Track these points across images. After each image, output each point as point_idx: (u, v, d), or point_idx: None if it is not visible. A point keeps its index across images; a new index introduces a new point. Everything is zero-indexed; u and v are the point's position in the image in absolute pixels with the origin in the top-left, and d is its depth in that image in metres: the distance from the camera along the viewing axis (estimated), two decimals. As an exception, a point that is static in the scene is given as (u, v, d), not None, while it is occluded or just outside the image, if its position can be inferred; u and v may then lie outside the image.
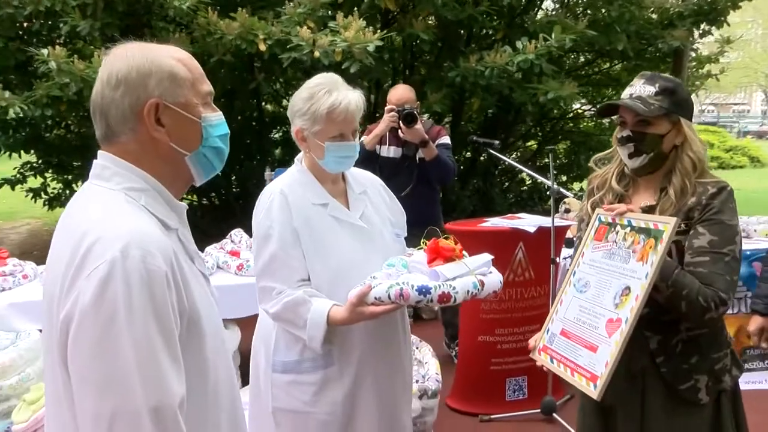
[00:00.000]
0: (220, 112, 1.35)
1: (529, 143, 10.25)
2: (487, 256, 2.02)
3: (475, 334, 3.84)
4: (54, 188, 8.36)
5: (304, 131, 2.06)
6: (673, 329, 1.86)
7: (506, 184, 9.49)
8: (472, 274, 1.92)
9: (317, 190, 2.10)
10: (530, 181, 9.12)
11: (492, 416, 3.76)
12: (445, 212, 8.19)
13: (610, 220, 1.91)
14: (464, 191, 8.55)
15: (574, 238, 2.39)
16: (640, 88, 1.89)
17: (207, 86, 1.32)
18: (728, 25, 7.68)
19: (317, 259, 2.02)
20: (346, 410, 2.07)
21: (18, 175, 8.21)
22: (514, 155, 9.90)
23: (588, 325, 1.83)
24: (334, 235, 2.06)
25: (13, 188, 8.21)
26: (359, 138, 4.19)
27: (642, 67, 7.87)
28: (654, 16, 7.17)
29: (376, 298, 1.86)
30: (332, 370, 2.05)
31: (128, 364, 1.06)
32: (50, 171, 8.17)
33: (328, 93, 2.01)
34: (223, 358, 1.32)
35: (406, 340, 2.23)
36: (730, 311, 4.18)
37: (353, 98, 2.03)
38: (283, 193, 2.06)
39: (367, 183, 2.24)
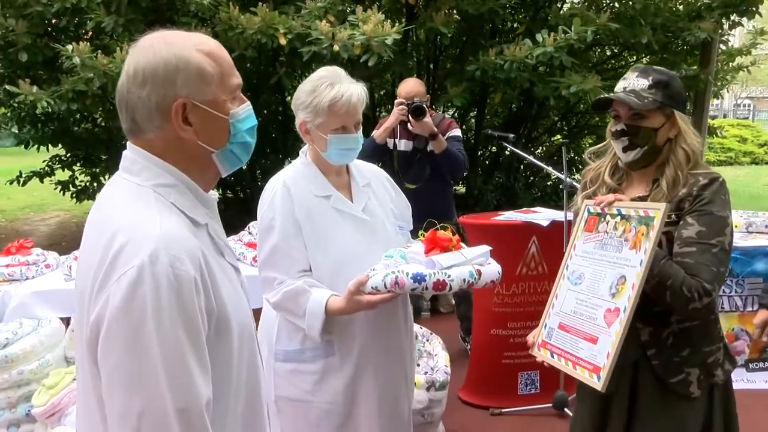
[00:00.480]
0: (249, 103, 1.33)
1: (555, 138, 10.17)
2: (485, 248, 2.04)
3: (487, 327, 3.84)
4: (82, 181, 8.52)
5: (307, 124, 2.08)
6: (665, 321, 1.85)
7: (531, 179, 9.42)
8: (469, 264, 1.93)
9: (320, 182, 2.13)
10: (555, 176, 9.05)
11: (503, 410, 3.76)
12: (467, 206, 8.25)
13: (599, 211, 1.91)
14: (487, 186, 8.51)
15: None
16: (633, 82, 1.88)
17: (236, 79, 1.29)
18: (760, 15, 7.48)
19: (319, 250, 2.05)
20: (347, 399, 2.09)
21: (47, 168, 8.39)
22: (539, 149, 9.84)
23: (586, 317, 1.83)
24: (336, 227, 2.08)
25: (42, 181, 8.39)
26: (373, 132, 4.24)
27: (668, 60, 7.74)
28: (681, 7, 7.05)
29: (372, 287, 1.89)
30: (333, 360, 2.08)
31: (156, 367, 1.08)
32: (78, 164, 8.33)
33: (331, 86, 2.03)
34: (249, 351, 1.33)
35: (408, 330, 2.25)
36: (749, 308, 4.14)
37: (355, 91, 2.05)
38: (286, 185, 2.09)
39: (371, 176, 2.26)
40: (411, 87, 4.13)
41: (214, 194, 1.37)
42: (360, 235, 2.10)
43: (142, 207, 1.18)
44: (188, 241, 1.16)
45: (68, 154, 8.25)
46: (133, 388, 1.08)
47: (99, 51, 5.22)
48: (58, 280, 3.70)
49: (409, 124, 4.06)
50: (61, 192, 8.48)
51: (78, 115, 7.17)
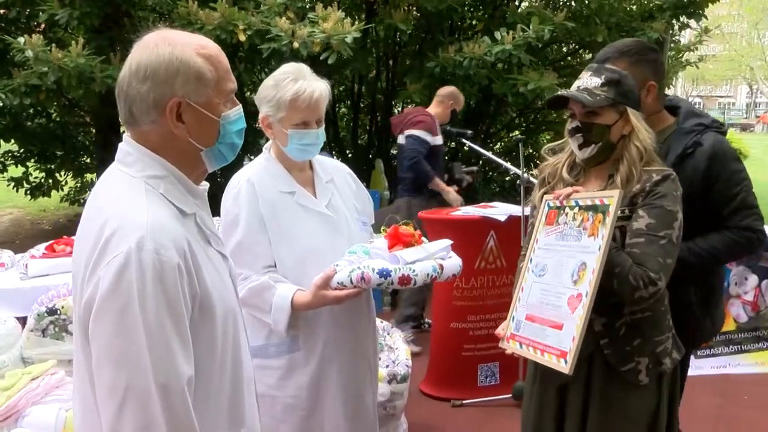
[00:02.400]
0: (240, 106, 1.40)
1: (513, 133, 10.32)
2: (446, 242, 2.08)
3: (447, 321, 3.91)
4: (36, 177, 8.34)
5: (269, 118, 2.09)
6: (618, 312, 1.91)
7: (489, 174, 9.55)
8: (432, 258, 1.98)
9: (284, 178, 2.14)
10: (513, 172, 9.18)
11: (464, 401, 3.83)
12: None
13: (558, 204, 1.96)
14: (447, 181, 8.60)
15: (530, 226, 2.44)
16: (586, 80, 1.94)
17: (231, 84, 1.37)
18: (706, 18, 7.76)
19: (283, 246, 2.06)
20: (312, 394, 2.11)
21: (-2, 165, 8.21)
22: (498, 145, 9.97)
23: (551, 305, 1.89)
24: (301, 223, 2.10)
25: (-7, 177, 8.21)
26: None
27: (622, 58, 7.93)
28: (634, 8, 7.24)
29: (338, 283, 1.91)
30: (298, 355, 2.09)
31: (140, 345, 1.16)
32: (32, 160, 8.15)
33: (294, 81, 2.04)
34: (233, 335, 1.39)
35: (371, 326, 2.28)
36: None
37: (318, 87, 2.06)
38: (251, 181, 2.09)
39: (334, 171, 2.28)
40: None
41: (205, 185, 1.45)
42: (324, 231, 2.12)
43: (132, 197, 1.26)
44: (174, 230, 1.24)
45: (21, 150, 8.06)
46: (119, 364, 1.16)
47: (53, 44, 5.12)
48: (13, 279, 3.60)
49: None
50: (15, 189, 8.29)
51: (31, 110, 7.02)
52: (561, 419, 2.04)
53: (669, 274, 1.85)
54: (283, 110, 2.05)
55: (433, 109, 4.77)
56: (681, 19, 7.58)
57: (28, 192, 8.26)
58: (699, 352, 4.34)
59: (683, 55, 9.06)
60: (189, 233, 1.29)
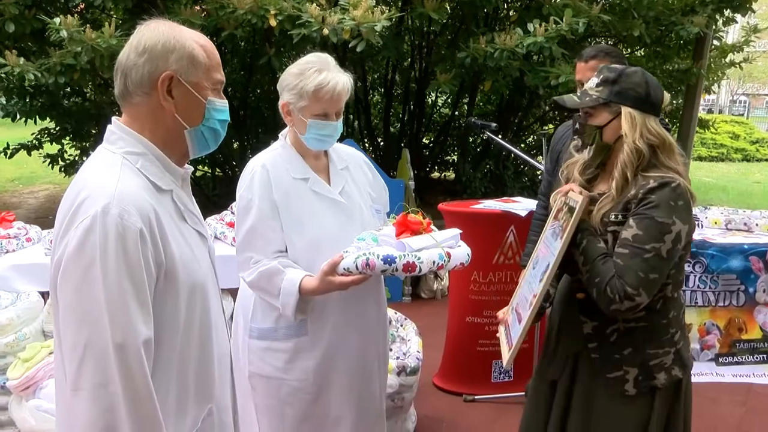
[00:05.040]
0: (226, 102, 1.49)
1: (547, 126, 10.18)
2: (455, 231, 2.08)
3: (463, 314, 3.89)
4: (71, 155, 8.50)
5: (290, 105, 2.11)
6: (610, 318, 1.86)
7: (521, 167, 9.45)
8: (439, 246, 1.97)
9: (299, 165, 2.16)
10: (537, 166, 9.08)
11: (476, 397, 3.81)
12: (455, 193, 8.27)
13: (564, 200, 1.95)
14: (476, 173, 8.55)
15: None
16: (591, 81, 1.90)
17: (220, 75, 1.47)
18: (753, 12, 7.47)
19: (295, 231, 2.09)
20: (318, 378, 2.14)
21: (35, 141, 8.36)
22: (531, 138, 9.87)
23: (525, 299, 1.93)
24: (313, 209, 2.12)
25: (29, 154, 8.37)
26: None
27: (661, 53, 7.76)
28: (675, 1, 7.04)
29: (344, 269, 1.93)
30: (305, 340, 2.12)
31: (100, 304, 1.23)
32: (67, 138, 8.31)
33: (318, 72, 2.06)
34: (201, 308, 1.44)
35: (380, 312, 2.29)
36: (720, 303, 4.20)
37: (341, 80, 2.08)
38: (265, 167, 2.12)
39: (349, 159, 2.29)
40: None
41: (189, 168, 1.52)
42: (336, 218, 2.14)
43: (107, 168, 1.35)
44: (140, 199, 1.32)
45: (57, 128, 8.22)
46: (81, 321, 1.24)
47: (87, 25, 5.19)
48: (38, 254, 3.70)
49: None
50: (50, 165, 8.45)
51: (67, 89, 7.14)
52: (551, 415, 2.03)
53: (652, 289, 1.78)
54: (305, 99, 2.06)
55: None
56: (726, 13, 7.34)
57: (63, 169, 8.41)
58: (721, 359, 4.28)
59: (728, 55, 8.76)
60: (160, 206, 1.36)
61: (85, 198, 1.28)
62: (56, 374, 1.40)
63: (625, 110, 1.83)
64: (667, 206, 1.77)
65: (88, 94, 7.68)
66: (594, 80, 1.88)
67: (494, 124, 3.99)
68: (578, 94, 1.90)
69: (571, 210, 1.82)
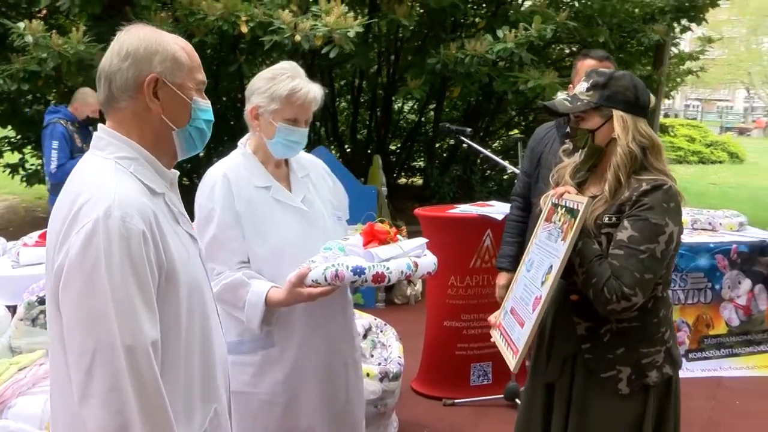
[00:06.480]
0: (209, 102, 1.50)
1: (512, 132, 10.33)
2: (421, 240, 2.10)
3: (440, 318, 3.90)
4: (32, 164, 8.29)
5: (259, 109, 2.08)
6: (603, 318, 1.89)
7: (487, 172, 9.56)
8: (406, 256, 1.99)
9: (260, 173, 2.13)
10: (511, 170, 9.20)
11: (456, 400, 3.83)
12: (424, 198, 8.32)
13: (556, 202, 1.97)
14: (444, 178, 8.61)
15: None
16: (580, 86, 1.93)
17: (202, 76, 1.48)
18: (707, 22, 7.80)
19: (258, 241, 2.05)
20: (287, 390, 2.10)
21: (-6, 150, 8.16)
22: (496, 143, 9.98)
23: (525, 302, 1.92)
24: (276, 218, 2.09)
25: (-12, 163, 8.16)
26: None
27: (624, 60, 7.94)
28: (636, 10, 7.24)
29: (313, 280, 1.92)
30: (273, 351, 2.08)
31: (107, 307, 1.22)
32: (29, 147, 8.11)
33: (291, 78, 2.06)
34: (200, 309, 1.45)
35: (347, 319, 2.26)
36: (689, 301, 4.32)
37: (313, 88, 2.09)
38: (226, 177, 2.07)
39: (310, 167, 2.27)
40: None
41: (175, 172, 1.52)
42: (299, 226, 2.11)
43: (102, 174, 1.35)
44: (140, 202, 1.32)
45: (18, 136, 8.02)
46: (87, 327, 1.23)
47: (54, 31, 5.09)
48: (4, 267, 3.60)
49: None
50: (10, 175, 8.24)
51: (30, 96, 6.98)
52: (549, 417, 2.04)
53: (647, 289, 1.82)
54: (277, 103, 2.05)
55: None
56: (682, 23, 7.60)
57: (24, 179, 8.20)
58: (690, 355, 4.39)
59: (685, 63, 9.10)
60: (157, 209, 1.37)
61: (84, 203, 1.27)
62: (55, 384, 1.37)
63: (617, 113, 1.86)
64: (660, 208, 1.81)
65: (51, 102, 7.51)
66: (584, 85, 1.91)
67: (469, 129, 4.03)
68: (568, 98, 1.92)
69: (570, 211, 1.84)
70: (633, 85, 1.89)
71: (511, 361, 1.84)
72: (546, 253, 1.90)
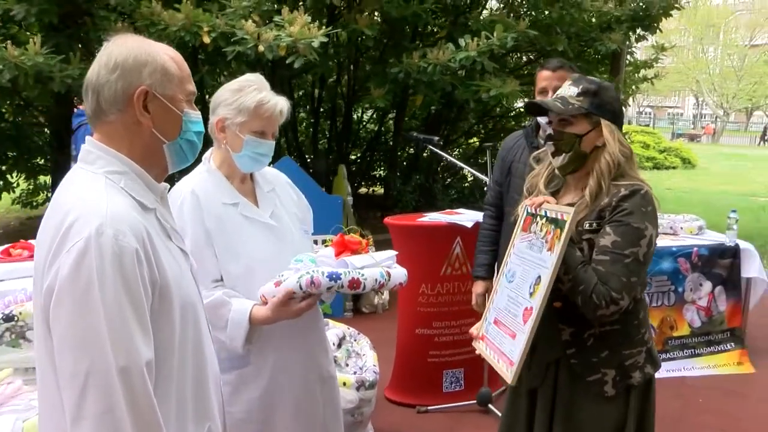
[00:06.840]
0: (200, 113, 1.47)
1: (471, 140, 10.44)
2: (391, 252, 2.11)
3: (412, 326, 3.91)
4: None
5: (226, 121, 2.05)
6: (586, 323, 1.92)
7: (448, 180, 9.63)
8: (379, 266, 2.00)
9: (227, 189, 2.10)
10: (471, 178, 9.29)
11: (429, 407, 3.84)
12: (386, 207, 8.33)
13: (533, 212, 1.98)
14: (406, 186, 8.65)
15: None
16: (566, 89, 1.96)
17: (192, 86, 1.45)
18: (661, 31, 8.05)
19: (230, 259, 2.02)
20: (263, 408, 2.07)
21: (-54, 164, 7.89)
22: (456, 152, 10.07)
23: (512, 313, 1.91)
24: (246, 235, 2.06)
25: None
26: None
27: (582, 68, 8.11)
28: (593, 19, 7.41)
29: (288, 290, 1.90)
30: (248, 370, 2.06)
31: (100, 328, 1.19)
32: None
33: (258, 90, 2.04)
34: (193, 326, 1.43)
35: (319, 333, 2.26)
36: (654, 304, 4.41)
37: (281, 101, 2.07)
38: (195, 193, 2.04)
39: (275, 181, 2.25)
40: None
41: (165, 185, 1.49)
42: (269, 242, 2.09)
43: (92, 189, 1.31)
44: (132, 218, 1.29)
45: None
46: (80, 348, 1.19)
47: (9, 41, 4.97)
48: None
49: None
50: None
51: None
52: (531, 423, 2.05)
53: (633, 292, 1.87)
54: (245, 115, 2.03)
55: None
56: (637, 32, 7.82)
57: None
58: (656, 357, 4.49)
59: (641, 71, 9.36)
60: (150, 226, 1.34)
61: (74, 220, 1.24)
62: (44, 406, 1.34)
63: (605, 122, 1.92)
64: (640, 212, 1.86)
65: (5, 115, 7.32)
66: (573, 89, 1.94)
67: (437, 138, 4.07)
68: (558, 100, 1.94)
69: (553, 222, 1.85)
70: (616, 97, 1.98)
71: (506, 373, 1.83)
72: (530, 263, 1.90)
